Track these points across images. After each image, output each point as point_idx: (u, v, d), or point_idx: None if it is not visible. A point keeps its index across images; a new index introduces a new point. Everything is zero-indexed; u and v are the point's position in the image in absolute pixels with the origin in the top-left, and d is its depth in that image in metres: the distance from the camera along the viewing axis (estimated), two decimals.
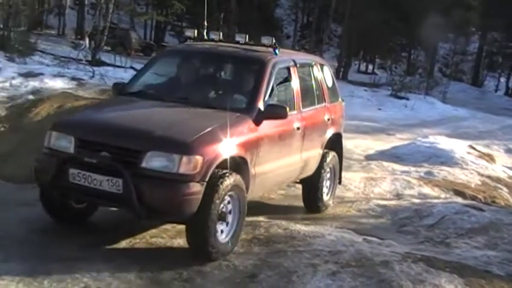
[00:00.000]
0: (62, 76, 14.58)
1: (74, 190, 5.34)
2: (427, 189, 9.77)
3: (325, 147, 7.64)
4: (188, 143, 5.19)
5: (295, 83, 6.89)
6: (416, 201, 8.93)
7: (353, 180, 9.75)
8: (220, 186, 5.27)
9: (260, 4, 43.78)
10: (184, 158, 5.08)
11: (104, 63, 20.82)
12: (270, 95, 6.26)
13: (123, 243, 5.69)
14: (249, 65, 6.69)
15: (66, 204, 5.89)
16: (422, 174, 10.88)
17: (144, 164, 5.10)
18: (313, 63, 7.70)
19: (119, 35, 34.17)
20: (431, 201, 8.85)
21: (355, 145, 13.86)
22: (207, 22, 7.47)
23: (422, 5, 36.58)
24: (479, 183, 10.85)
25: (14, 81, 12.89)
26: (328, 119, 7.64)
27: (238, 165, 5.68)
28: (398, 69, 47.78)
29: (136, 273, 5.04)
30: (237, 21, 38.32)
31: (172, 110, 6.01)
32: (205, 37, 7.24)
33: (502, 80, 50.41)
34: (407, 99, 28.48)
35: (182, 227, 5.57)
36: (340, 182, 8.37)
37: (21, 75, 13.83)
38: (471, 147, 13.81)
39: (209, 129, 5.43)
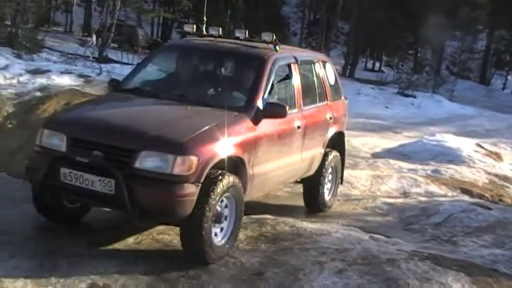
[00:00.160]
0: (69, 73, 14.62)
1: (65, 190, 5.20)
2: (434, 188, 9.75)
3: (327, 146, 7.50)
4: (183, 143, 5.03)
5: (296, 81, 6.73)
6: (423, 199, 8.92)
7: (359, 178, 9.74)
8: (216, 187, 5.10)
9: (267, 1, 43.74)
10: (179, 159, 4.92)
11: (111, 60, 20.87)
12: (269, 93, 6.10)
13: (130, 240, 5.69)
14: (248, 62, 6.50)
15: (58, 204, 5.74)
16: (429, 172, 10.86)
17: (137, 164, 4.94)
18: (315, 60, 7.53)
19: (126, 32, 34.17)
20: (438, 200, 8.83)
21: (361, 143, 13.84)
22: (206, 17, 7.36)
23: (429, 3, 36.47)
24: (487, 181, 10.82)
25: (21, 78, 12.94)
26: (330, 118, 7.48)
27: (236, 165, 5.53)
28: (405, 67, 47.67)
29: (143, 270, 5.05)
30: (243, 19, 38.32)
31: (168, 108, 5.84)
32: (205, 32, 7.09)
33: (510, 78, 50.15)
34: (414, 97, 28.38)
35: None
36: (342, 182, 8.24)
37: (28, 72, 13.88)
38: (478, 145, 13.75)
39: (205, 128, 5.28)
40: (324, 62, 7.75)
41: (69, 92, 11.41)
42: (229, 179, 5.26)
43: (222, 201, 5.31)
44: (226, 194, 5.30)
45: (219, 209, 5.28)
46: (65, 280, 4.73)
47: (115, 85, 6.52)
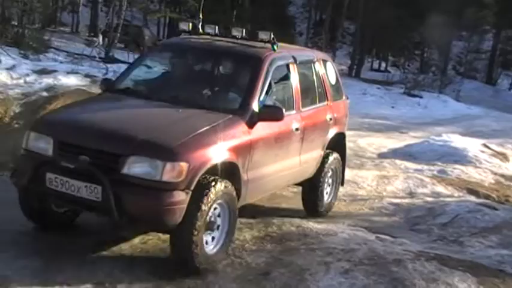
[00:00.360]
0: (76, 73, 14.63)
1: (51, 196, 5.04)
2: (440, 188, 9.73)
3: (327, 148, 7.25)
4: (173, 148, 4.82)
5: (294, 81, 6.50)
6: (430, 199, 8.91)
7: (366, 178, 9.73)
8: (208, 194, 4.90)
9: (273, 1, 43.72)
10: (168, 165, 4.71)
11: (117, 61, 20.89)
12: (266, 95, 5.88)
13: (136, 240, 5.69)
14: (244, 62, 6.25)
15: (46, 209, 5.51)
16: (435, 172, 10.83)
17: (125, 170, 4.74)
18: (315, 59, 7.25)
19: (132, 32, 34.20)
20: (444, 200, 8.82)
21: (368, 143, 13.83)
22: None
23: (436, 3, 36.38)
24: (493, 182, 10.79)
25: (28, 78, 12.96)
26: (331, 119, 7.24)
27: (229, 170, 5.31)
28: (412, 67, 47.54)
29: (149, 270, 5.07)
30: (250, 19, 38.32)
31: (159, 111, 5.63)
32: (201, 31, 6.83)
33: None
34: (421, 97, 28.34)
35: None
36: (342, 184, 7.98)
37: (35, 72, 13.90)
38: (485, 145, 13.71)
39: (197, 132, 5.06)
40: (325, 61, 7.51)
41: (75, 92, 11.43)
42: (221, 186, 5.06)
43: (214, 208, 5.10)
44: (218, 201, 5.10)
45: (211, 216, 5.08)
46: (71, 280, 4.74)
47: (107, 85, 6.31)
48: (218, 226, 5.25)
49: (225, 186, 5.13)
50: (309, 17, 48.21)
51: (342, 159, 7.73)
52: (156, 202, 4.71)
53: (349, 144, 11.92)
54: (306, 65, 6.99)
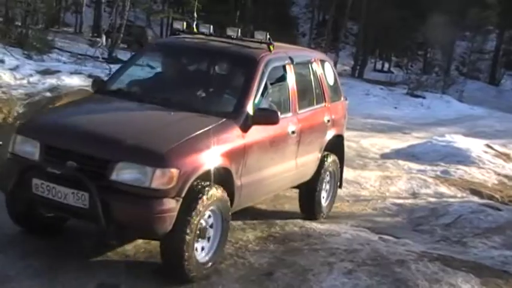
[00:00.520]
0: (79, 73, 14.67)
1: (38, 202, 4.87)
2: (443, 188, 9.73)
3: (325, 150, 7.06)
4: (163, 154, 4.64)
5: (291, 83, 6.30)
6: (433, 200, 8.90)
7: (369, 178, 9.73)
8: (200, 201, 4.74)
9: (276, 2, 43.73)
10: (158, 171, 4.54)
11: (120, 61, 20.83)
12: (261, 97, 5.69)
13: (140, 240, 5.69)
14: (239, 63, 6.09)
15: (33, 214, 5.28)
16: (438, 173, 10.83)
17: (113, 177, 4.57)
18: (313, 59, 7.05)
19: (135, 32, 34.26)
20: (447, 200, 8.82)
21: (370, 144, 13.81)
22: (196, 14, 7.05)
23: (439, 3, 36.34)
24: (496, 182, 10.79)
25: (31, 79, 13.00)
26: (328, 120, 7.05)
27: (222, 176, 5.12)
28: (415, 67, 47.48)
29: (152, 270, 5.07)
30: (252, 20, 38.33)
31: (150, 114, 5.43)
32: (195, 30, 6.65)
33: None
34: (424, 97, 28.30)
35: None
36: (340, 187, 7.76)
37: (38, 72, 13.95)
38: (488, 146, 13.70)
39: (188, 137, 4.89)
40: (323, 61, 7.30)
41: (78, 93, 11.43)
42: (214, 192, 4.89)
43: (206, 215, 4.95)
44: (211, 208, 4.95)
45: (203, 223, 4.92)
46: (74, 280, 4.75)
47: (98, 86, 6.11)
48: (211, 230, 5.10)
49: (218, 193, 4.97)
50: (312, 18, 48.23)
51: (340, 162, 7.55)
52: (145, 210, 4.54)
53: (352, 145, 12.03)
54: (303, 66, 6.82)
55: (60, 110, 6.22)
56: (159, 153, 4.66)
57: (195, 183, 4.80)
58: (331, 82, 7.39)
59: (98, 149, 4.72)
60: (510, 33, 47.48)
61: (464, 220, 7.65)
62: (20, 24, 21.87)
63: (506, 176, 11.30)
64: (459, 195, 9.53)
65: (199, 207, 4.75)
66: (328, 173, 7.25)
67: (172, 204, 4.61)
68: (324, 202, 7.32)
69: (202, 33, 6.54)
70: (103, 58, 20.76)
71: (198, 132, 4.98)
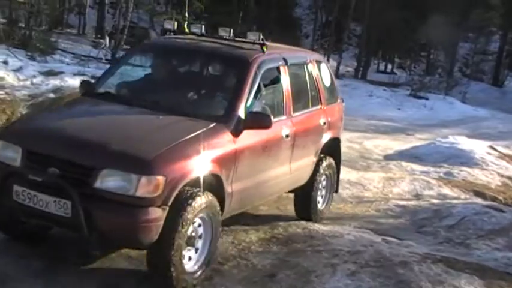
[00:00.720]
0: (82, 75, 14.64)
1: (18, 210, 4.68)
2: (446, 190, 9.72)
3: (321, 153, 6.91)
4: (149, 161, 4.46)
5: (285, 84, 6.13)
6: (436, 201, 8.89)
7: (372, 180, 9.72)
8: (188, 209, 4.56)
9: (279, 3, 43.74)
10: (143, 179, 4.36)
11: None
12: (254, 100, 5.53)
13: None
14: (231, 65, 5.93)
15: (17, 221, 5.03)
16: (441, 174, 10.81)
17: (97, 184, 4.41)
18: (308, 60, 6.88)
19: (139, 34, 34.18)
20: (451, 202, 8.81)
21: (374, 145, 13.79)
22: (188, 14, 6.89)
23: (442, 4, 36.32)
24: (500, 184, 10.77)
25: (35, 80, 13.00)
26: (324, 123, 6.89)
27: (212, 182, 4.96)
28: (418, 68, 47.41)
29: None
30: (255, 21, 38.34)
31: (137, 118, 5.26)
32: (187, 30, 6.54)
33: None
34: (427, 99, 28.23)
35: None
36: (336, 191, 7.62)
37: (42, 73, 13.95)
38: (491, 147, 13.69)
39: (176, 142, 4.71)
40: (319, 62, 7.15)
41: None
42: (202, 200, 4.72)
43: (195, 223, 4.79)
44: (200, 215, 4.79)
45: (191, 231, 4.76)
46: (75, 280, 4.77)
47: (86, 88, 5.92)
48: (201, 239, 4.95)
49: (207, 200, 4.80)
50: (315, 19, 48.17)
51: (337, 165, 7.40)
52: (130, 219, 4.38)
53: (355, 146, 12.02)
54: (298, 67, 6.66)
55: (43, 114, 6.06)
56: (145, 159, 4.49)
57: (184, 190, 4.64)
58: (328, 83, 7.23)
59: (81, 155, 4.55)
60: None
61: (467, 222, 7.64)
62: (23, 25, 21.89)
63: (509, 178, 11.28)
64: (462, 196, 9.52)
65: (188, 215, 4.59)
66: (324, 176, 7.12)
67: (158, 213, 4.45)
68: (319, 206, 7.20)
69: (194, 34, 6.41)
70: (106, 59, 20.76)
71: (187, 138, 4.82)
